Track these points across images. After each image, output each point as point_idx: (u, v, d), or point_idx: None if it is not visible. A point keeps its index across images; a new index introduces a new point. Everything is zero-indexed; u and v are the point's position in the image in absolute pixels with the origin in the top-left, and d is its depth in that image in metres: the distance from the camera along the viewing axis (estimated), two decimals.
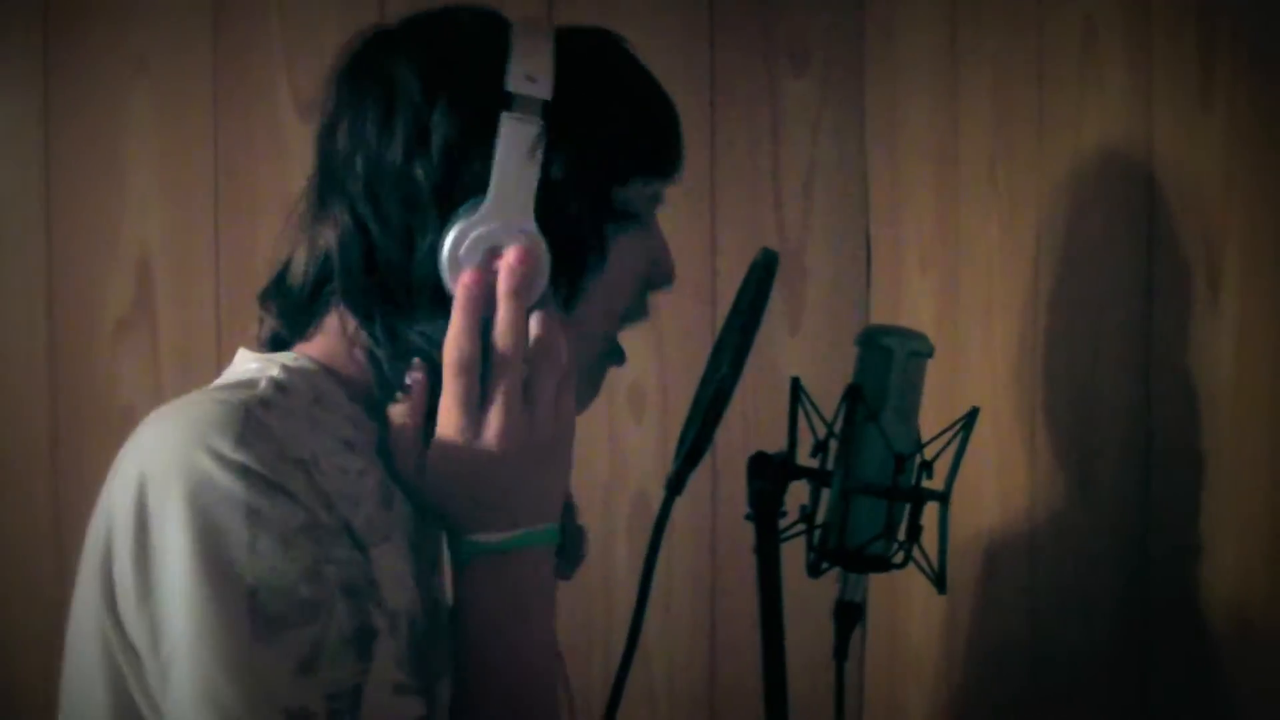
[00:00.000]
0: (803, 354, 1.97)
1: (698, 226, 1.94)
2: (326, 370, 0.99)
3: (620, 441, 1.94)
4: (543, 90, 0.94)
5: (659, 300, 1.94)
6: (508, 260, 0.93)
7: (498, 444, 0.94)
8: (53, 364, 1.84)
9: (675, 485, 1.11)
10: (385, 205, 0.94)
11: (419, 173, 0.93)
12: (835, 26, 1.97)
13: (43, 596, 1.79)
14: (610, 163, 0.99)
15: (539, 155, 0.94)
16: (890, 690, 1.90)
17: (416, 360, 0.96)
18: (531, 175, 0.93)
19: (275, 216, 1.80)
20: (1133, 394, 1.38)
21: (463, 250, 0.93)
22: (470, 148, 0.93)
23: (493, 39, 0.96)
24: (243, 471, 0.85)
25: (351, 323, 0.98)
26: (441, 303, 0.94)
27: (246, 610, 0.84)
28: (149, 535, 0.86)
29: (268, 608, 0.84)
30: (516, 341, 0.94)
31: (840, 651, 1.24)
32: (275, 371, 0.96)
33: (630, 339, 1.97)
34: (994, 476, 1.62)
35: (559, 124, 0.95)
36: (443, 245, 0.93)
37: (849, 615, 1.23)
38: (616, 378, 1.95)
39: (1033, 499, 1.55)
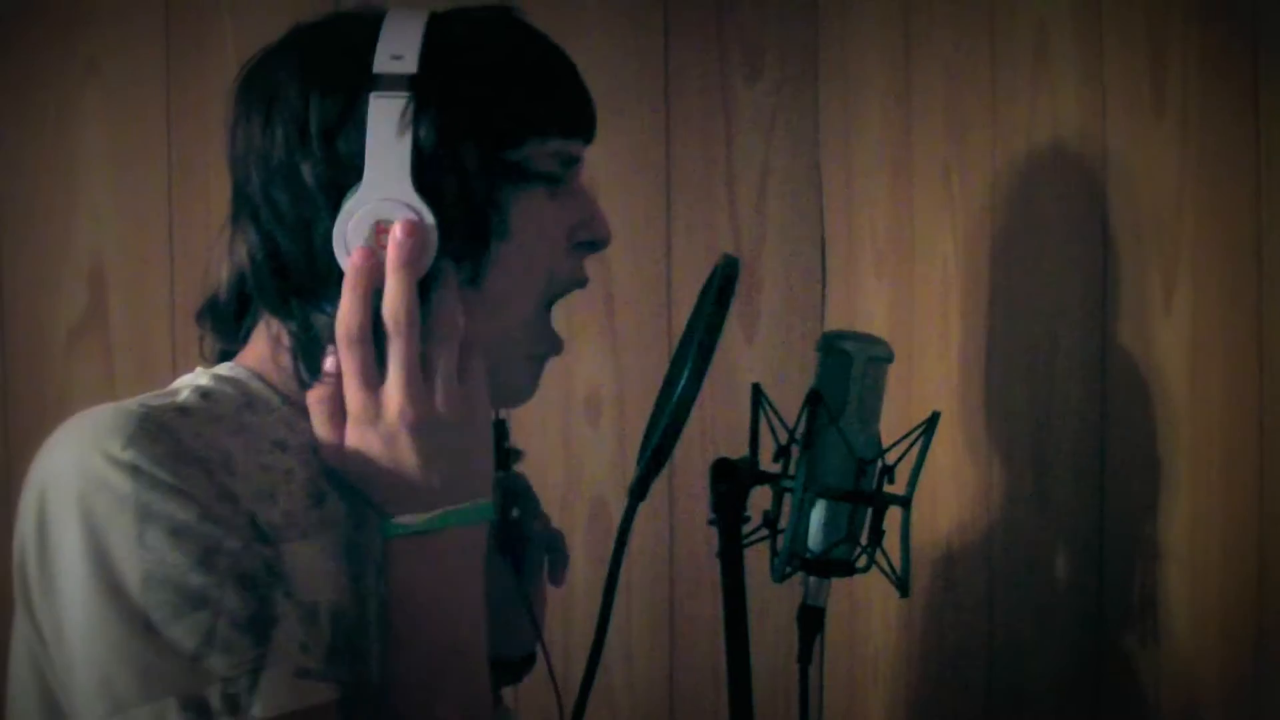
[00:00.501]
0: (759, 360, 1.97)
1: (652, 232, 1.95)
2: (259, 377, 1.03)
3: (576, 449, 1.94)
4: (408, 66, 0.96)
5: (614, 306, 1.95)
6: (393, 234, 0.95)
7: (399, 418, 0.96)
8: (4, 374, 1.82)
9: (638, 492, 1.11)
10: (279, 203, 0.97)
11: (303, 166, 0.96)
12: (789, 32, 1.98)
13: None
14: (488, 125, 0.99)
15: (408, 127, 0.95)
16: (850, 694, 1.90)
17: (330, 347, 0.98)
18: (404, 147, 0.95)
19: None
20: (1088, 398, 1.39)
21: (349, 230, 0.95)
22: (346, 133, 0.96)
23: (364, 30, 0.98)
24: (131, 470, 0.88)
25: (275, 325, 1.01)
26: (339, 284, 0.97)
27: (137, 601, 0.87)
28: (48, 535, 0.90)
29: (157, 598, 0.87)
30: (407, 313, 0.95)
31: (804, 656, 1.24)
32: (204, 380, 1.01)
33: (586, 344, 1.98)
34: (951, 481, 1.63)
35: (426, 95, 0.96)
36: (335, 231, 0.96)
37: (812, 620, 1.24)
38: (572, 385, 1.97)
39: (990, 503, 1.56)
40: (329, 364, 0.98)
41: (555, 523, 1.89)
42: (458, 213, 0.97)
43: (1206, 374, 1.25)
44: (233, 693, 0.87)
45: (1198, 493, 1.26)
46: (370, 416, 0.96)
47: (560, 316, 1.92)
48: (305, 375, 1.00)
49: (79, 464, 0.90)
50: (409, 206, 0.95)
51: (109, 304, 1.83)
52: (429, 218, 0.96)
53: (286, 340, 1.01)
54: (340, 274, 0.96)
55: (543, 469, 1.92)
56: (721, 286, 1.09)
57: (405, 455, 0.96)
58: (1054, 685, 1.45)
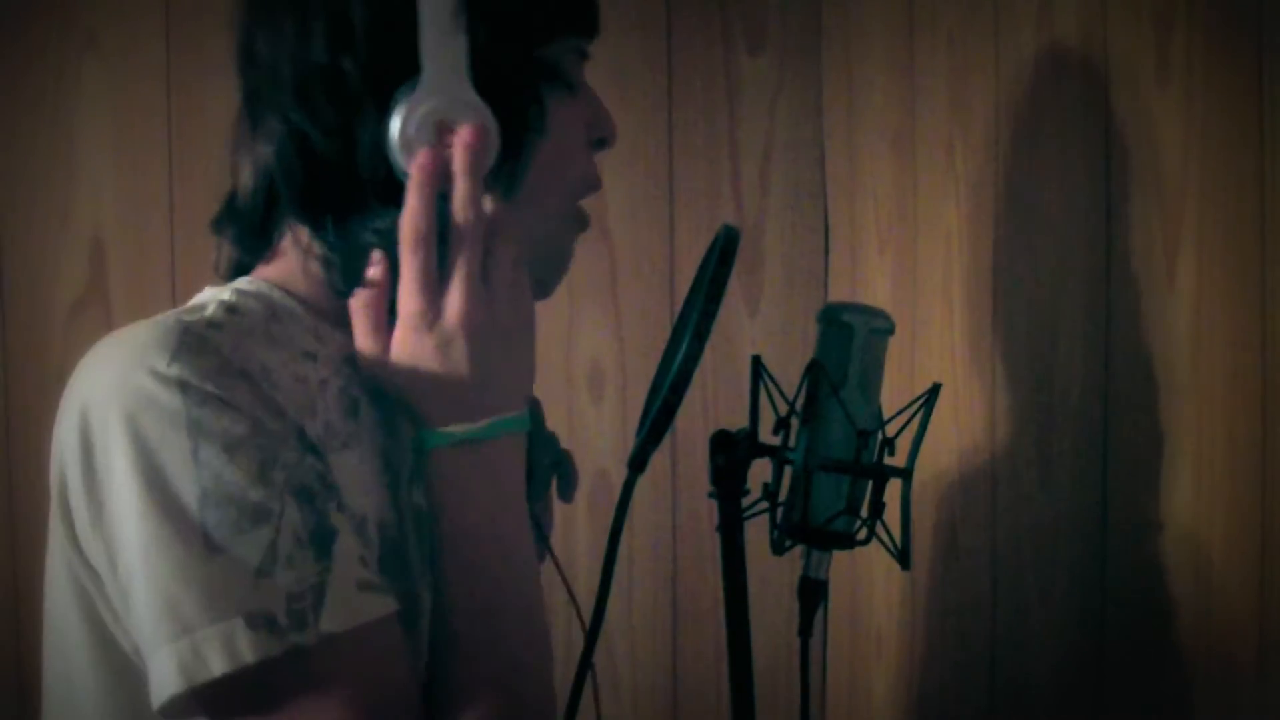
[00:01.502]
0: (761, 333, 1.97)
1: (655, 206, 1.94)
2: (281, 288, 0.99)
3: (579, 421, 1.94)
4: None
5: (616, 280, 1.94)
6: (462, 138, 0.93)
7: (459, 323, 0.94)
8: (4, 348, 1.82)
9: (637, 463, 1.11)
10: (318, 106, 0.94)
11: (347, 65, 0.93)
12: (792, 4, 1.97)
13: None
14: (530, 22, 0.98)
15: (462, 24, 0.93)
16: (852, 666, 1.90)
17: (376, 254, 0.96)
18: (460, 44, 0.93)
19: None
20: (1091, 372, 1.39)
21: (413, 129, 0.93)
22: (393, 30, 0.93)
23: None
24: (180, 385, 0.85)
25: (304, 236, 0.98)
26: (391, 195, 0.94)
27: (195, 520, 0.84)
28: (94, 459, 0.87)
29: (216, 516, 0.84)
30: (477, 217, 0.94)
31: (805, 629, 1.24)
32: (226, 295, 0.96)
33: (588, 317, 1.98)
34: (954, 453, 1.62)
35: None
36: (390, 130, 0.93)
37: (813, 592, 1.24)
38: (575, 357, 1.97)
39: (993, 476, 1.56)
40: (373, 271, 0.95)
41: (556, 498, 1.90)
42: (509, 110, 0.96)
43: (1210, 347, 1.24)
44: (299, 608, 0.85)
45: (1200, 466, 1.26)
46: (428, 321, 0.94)
47: (563, 290, 1.93)
48: (341, 284, 0.97)
49: (123, 382, 0.86)
50: (473, 106, 0.93)
51: (109, 277, 1.83)
52: (490, 118, 0.94)
53: (317, 249, 0.97)
54: (382, 181, 0.94)
55: None
56: (720, 257, 1.09)
57: (460, 361, 0.94)
58: (1056, 658, 1.45)
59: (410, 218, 0.93)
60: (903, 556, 1.23)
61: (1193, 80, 1.25)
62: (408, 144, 0.93)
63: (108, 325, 1.82)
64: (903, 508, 1.23)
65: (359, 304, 0.96)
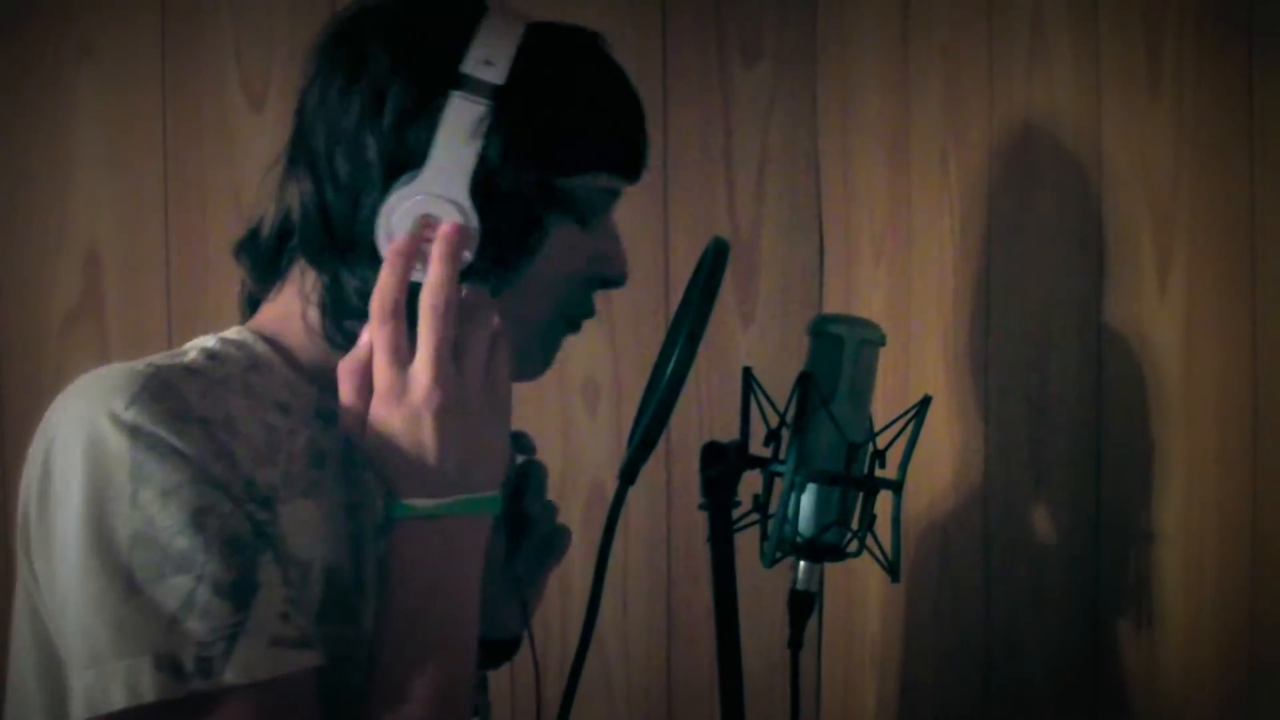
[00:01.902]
0: (755, 344, 1.97)
1: (650, 217, 1.94)
2: (269, 341, 1.04)
3: (574, 433, 1.94)
4: (496, 75, 0.98)
5: (611, 292, 1.94)
6: (443, 229, 0.97)
7: (424, 401, 0.96)
8: None
9: (628, 475, 1.11)
10: (338, 166, 0.99)
11: (369, 139, 0.98)
12: (787, 16, 1.97)
13: None
14: (554, 152, 1.01)
15: (480, 135, 0.97)
16: (847, 678, 1.90)
17: (365, 332, 0.99)
18: (471, 153, 0.97)
19: (226, 207, 1.82)
20: (1084, 383, 1.39)
21: (395, 215, 0.97)
22: (418, 120, 0.97)
23: (462, 23, 1.00)
24: (131, 430, 0.90)
25: (309, 278, 1.03)
26: (377, 259, 0.98)
27: (124, 559, 0.89)
28: (51, 486, 0.93)
29: (143, 558, 0.89)
30: (446, 299, 0.97)
31: (795, 641, 1.23)
32: (212, 342, 1.03)
33: (583, 331, 1.98)
34: (948, 465, 1.62)
35: (507, 109, 0.98)
36: (379, 208, 0.98)
37: (803, 605, 1.23)
38: (570, 369, 1.96)
39: (986, 488, 1.56)
40: (364, 337, 0.99)
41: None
42: (501, 225, 0.99)
43: (1201, 356, 1.24)
44: (207, 656, 0.89)
45: (1192, 476, 1.26)
46: (396, 394, 0.97)
47: None
48: (331, 330, 1.02)
49: (85, 420, 0.92)
50: (459, 208, 0.97)
51: (104, 290, 1.83)
52: (475, 224, 0.98)
53: (316, 297, 1.02)
54: (373, 245, 0.98)
55: (540, 454, 1.90)
56: (711, 269, 1.09)
57: (425, 437, 0.97)
58: (1051, 669, 1.45)
59: (380, 293, 0.97)
60: (893, 569, 1.23)
61: (1184, 90, 1.25)
62: (388, 226, 0.97)
63: (102, 337, 1.82)
64: (893, 520, 1.23)
65: (346, 368, 0.99)
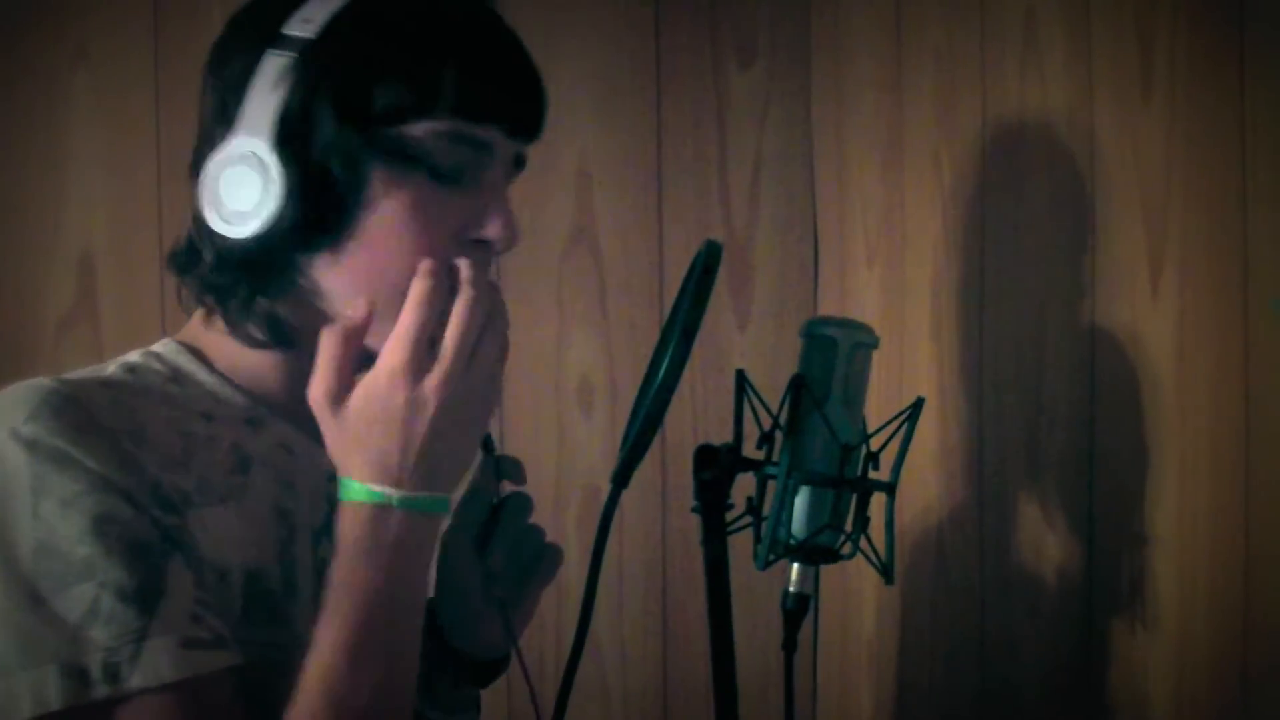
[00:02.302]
0: (750, 346, 1.97)
1: (645, 219, 1.94)
2: (194, 351, 1.05)
3: (569, 435, 1.94)
4: (310, 30, 0.97)
5: (605, 293, 1.94)
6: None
7: (436, 389, 0.95)
8: None
9: (620, 479, 1.11)
10: (198, 154, 1.00)
11: (219, 129, 0.98)
12: (780, 18, 1.97)
13: None
14: (366, 96, 0.97)
15: (284, 86, 0.96)
16: (843, 680, 1.90)
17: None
18: (273, 103, 0.96)
19: None
20: (1077, 384, 1.39)
21: (207, 174, 0.97)
22: (235, 92, 0.98)
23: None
24: (29, 444, 0.90)
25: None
26: (211, 230, 0.98)
27: (28, 571, 0.89)
28: None
29: (45, 568, 0.89)
30: (483, 296, 0.97)
31: (789, 644, 1.23)
32: (135, 356, 1.04)
33: (578, 332, 1.98)
34: (942, 467, 1.62)
35: (314, 58, 0.97)
36: (201, 174, 0.98)
37: (797, 607, 1.23)
38: (564, 373, 1.96)
39: (980, 491, 1.56)
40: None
41: (547, 510, 1.90)
42: (312, 174, 0.97)
43: (1194, 358, 1.24)
44: (114, 662, 0.89)
45: (1185, 478, 1.26)
46: (407, 377, 0.94)
47: (552, 304, 1.92)
48: (237, 324, 1.02)
49: None
50: (258, 160, 0.96)
51: (98, 294, 1.83)
52: (274, 171, 0.96)
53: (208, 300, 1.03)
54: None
55: (535, 457, 1.91)
56: (703, 272, 1.09)
57: (420, 426, 0.95)
58: (1045, 671, 1.45)
59: (425, 275, 0.96)
60: (887, 571, 1.23)
61: (1175, 94, 1.25)
62: (206, 188, 0.97)
63: (96, 341, 1.82)
64: (887, 522, 1.23)
65: (335, 334, 0.96)
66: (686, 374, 1.99)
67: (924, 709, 1.70)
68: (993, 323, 1.53)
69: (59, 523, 0.90)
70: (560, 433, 1.93)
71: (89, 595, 0.89)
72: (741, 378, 1.25)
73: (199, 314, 1.06)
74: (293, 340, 1.03)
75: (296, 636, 0.99)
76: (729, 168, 1.96)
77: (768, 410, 1.23)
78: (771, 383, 1.26)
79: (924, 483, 1.64)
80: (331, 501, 1.00)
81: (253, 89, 0.96)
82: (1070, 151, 1.39)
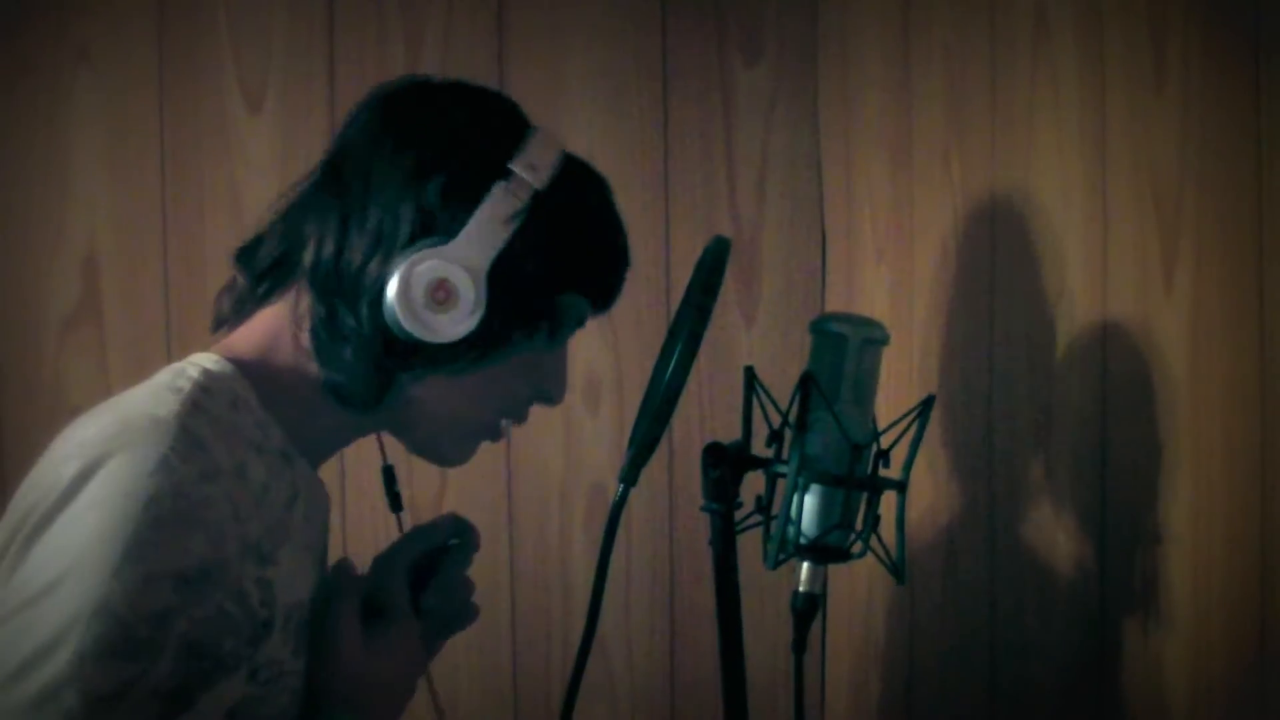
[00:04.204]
0: (758, 344, 1.96)
1: (652, 216, 1.93)
2: (246, 371, 1.06)
3: (576, 433, 1.93)
4: (538, 180, 1.05)
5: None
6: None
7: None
8: None
9: (629, 477, 1.10)
10: (370, 213, 1.04)
11: (409, 200, 1.03)
12: (788, 15, 1.96)
13: None
14: (563, 264, 1.08)
15: (513, 225, 1.03)
16: (852, 680, 1.89)
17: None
18: (501, 237, 1.03)
19: (223, 210, 1.81)
20: (1089, 380, 1.38)
21: (417, 268, 1.02)
22: (458, 201, 1.03)
23: (514, 128, 1.08)
24: (150, 502, 0.91)
25: (305, 301, 1.06)
26: (376, 303, 1.03)
27: (84, 625, 0.88)
28: (71, 501, 0.93)
29: (102, 631, 0.88)
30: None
31: (799, 644, 1.23)
32: (194, 371, 1.03)
33: (584, 331, 1.96)
34: (952, 466, 1.61)
35: (539, 210, 1.05)
36: (403, 259, 1.02)
37: (807, 607, 1.22)
38: (571, 372, 1.94)
39: (991, 489, 1.55)
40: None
41: (553, 509, 1.89)
42: (505, 311, 1.04)
43: (1208, 354, 1.23)
44: None
45: (1199, 476, 1.25)
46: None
47: None
48: (326, 353, 1.05)
49: (108, 471, 0.93)
50: (475, 278, 1.02)
51: (102, 293, 1.82)
52: (484, 301, 1.02)
53: (309, 323, 1.05)
54: (376, 292, 1.02)
55: (542, 456, 1.90)
56: (711, 268, 1.08)
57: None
58: (1057, 670, 1.44)
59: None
60: (897, 570, 1.22)
61: (1189, 86, 1.24)
62: (406, 277, 1.02)
63: (100, 341, 1.81)
64: (898, 521, 1.22)
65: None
66: (694, 372, 1.98)
67: (934, 709, 1.69)
68: (1003, 319, 1.52)
69: (136, 594, 0.89)
70: (567, 431, 1.92)
71: (126, 677, 0.89)
72: (751, 375, 1.24)
73: (268, 323, 1.08)
74: (374, 407, 1.08)
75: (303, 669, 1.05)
76: (736, 165, 1.95)
77: (777, 408, 1.22)
78: (779, 380, 1.25)
79: (934, 480, 1.63)
80: (324, 536, 1.10)
81: (481, 213, 1.03)
82: (1081, 146, 1.38)
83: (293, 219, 1.09)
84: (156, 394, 1.00)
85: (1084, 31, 1.38)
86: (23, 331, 1.81)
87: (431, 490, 1.84)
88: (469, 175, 1.04)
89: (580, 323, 1.14)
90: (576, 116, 1.88)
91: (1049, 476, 1.44)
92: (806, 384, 1.20)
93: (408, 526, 1.21)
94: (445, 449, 1.14)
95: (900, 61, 1.74)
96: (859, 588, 1.84)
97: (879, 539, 1.23)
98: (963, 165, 1.59)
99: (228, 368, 1.05)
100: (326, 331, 1.04)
